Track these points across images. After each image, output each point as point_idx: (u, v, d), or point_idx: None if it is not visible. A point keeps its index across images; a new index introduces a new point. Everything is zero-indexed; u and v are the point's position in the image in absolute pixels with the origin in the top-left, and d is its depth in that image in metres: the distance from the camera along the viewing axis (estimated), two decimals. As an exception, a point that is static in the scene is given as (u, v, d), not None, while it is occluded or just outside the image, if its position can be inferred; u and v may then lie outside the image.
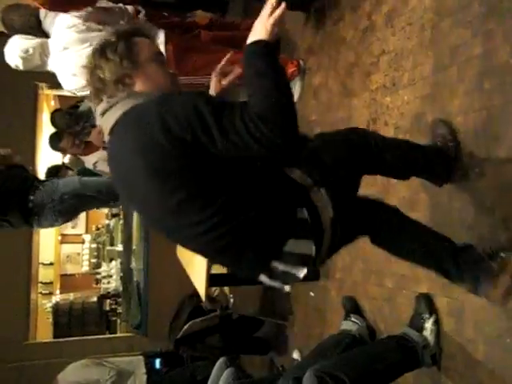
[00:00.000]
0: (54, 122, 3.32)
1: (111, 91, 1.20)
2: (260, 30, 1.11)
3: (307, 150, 1.34)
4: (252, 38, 1.12)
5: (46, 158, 5.16)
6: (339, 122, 2.42)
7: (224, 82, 1.47)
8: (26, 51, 2.53)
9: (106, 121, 1.20)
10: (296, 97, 2.71)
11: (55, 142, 3.12)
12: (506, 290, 1.32)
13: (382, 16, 2.14)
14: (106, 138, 1.22)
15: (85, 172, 3.14)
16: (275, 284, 1.28)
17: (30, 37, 2.54)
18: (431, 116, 1.79)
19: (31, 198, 2.55)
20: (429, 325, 1.59)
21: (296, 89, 2.77)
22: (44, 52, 2.54)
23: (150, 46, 1.28)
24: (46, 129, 5.10)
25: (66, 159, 4.29)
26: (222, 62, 1.48)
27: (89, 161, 3.06)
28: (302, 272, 1.23)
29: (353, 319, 2.05)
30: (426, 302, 1.64)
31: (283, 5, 1.12)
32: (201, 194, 1.12)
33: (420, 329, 1.60)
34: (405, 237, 1.44)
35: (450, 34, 1.73)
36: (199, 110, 1.04)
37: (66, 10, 2.43)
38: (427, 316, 1.61)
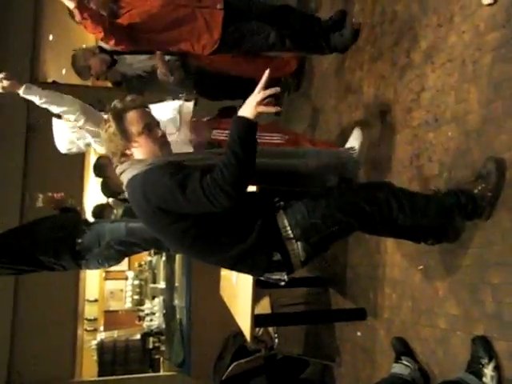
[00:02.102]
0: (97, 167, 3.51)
1: (119, 161, 1.60)
2: (249, 110, 1.40)
3: (307, 201, 1.57)
4: (242, 111, 1.42)
5: (93, 198, 5.38)
6: (382, 158, 2.41)
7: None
8: (70, 149, 2.82)
9: (123, 179, 1.61)
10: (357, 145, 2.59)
11: (99, 169, 3.33)
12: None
13: (421, 53, 2.16)
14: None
15: (129, 211, 3.25)
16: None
17: (71, 124, 2.68)
18: (477, 152, 1.76)
19: (79, 241, 2.65)
20: (489, 371, 1.51)
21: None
22: (87, 143, 2.76)
23: (138, 119, 1.58)
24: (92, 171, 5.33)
25: (110, 199, 4.44)
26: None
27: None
28: (282, 283, 1.63)
29: (404, 362, 1.97)
30: (484, 346, 1.56)
31: (275, 108, 1.43)
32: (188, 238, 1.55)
33: (479, 375, 1.52)
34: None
35: (492, 69, 1.71)
36: (169, 185, 1.43)
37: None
38: (486, 361, 1.52)
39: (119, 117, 1.57)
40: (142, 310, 6.74)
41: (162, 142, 1.61)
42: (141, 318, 6.80)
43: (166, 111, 2.61)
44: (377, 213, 1.57)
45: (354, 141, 2.64)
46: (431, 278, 1.98)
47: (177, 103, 2.69)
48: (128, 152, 1.58)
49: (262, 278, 1.67)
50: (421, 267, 2.05)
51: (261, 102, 1.39)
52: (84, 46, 3.01)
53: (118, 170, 1.62)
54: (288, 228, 1.54)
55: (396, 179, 2.27)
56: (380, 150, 2.45)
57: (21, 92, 2.55)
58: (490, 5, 1.72)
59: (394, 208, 1.57)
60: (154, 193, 1.46)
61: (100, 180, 3.83)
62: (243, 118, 1.40)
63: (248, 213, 1.54)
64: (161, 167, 1.48)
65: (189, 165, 1.51)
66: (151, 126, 1.60)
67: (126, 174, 1.57)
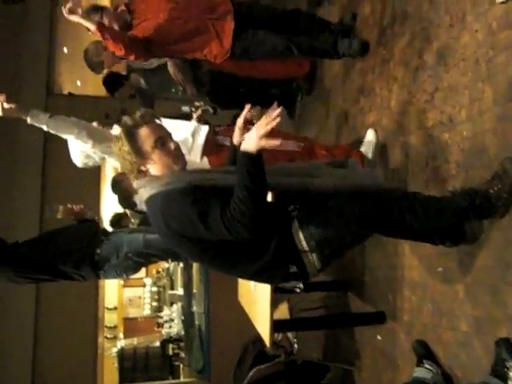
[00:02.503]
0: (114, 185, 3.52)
1: (135, 178, 1.61)
2: (252, 143, 1.40)
3: (321, 213, 1.58)
4: (244, 145, 1.42)
5: (109, 207, 5.44)
6: (397, 160, 2.40)
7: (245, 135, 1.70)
8: (86, 163, 2.81)
9: (141, 195, 1.61)
10: (371, 153, 2.61)
11: (116, 186, 3.33)
12: None
13: (434, 53, 2.14)
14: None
15: (146, 221, 3.27)
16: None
17: (87, 146, 2.66)
18: (494, 151, 1.73)
19: (97, 251, 2.68)
20: (513, 374, 1.49)
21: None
22: (102, 156, 2.76)
23: (150, 135, 1.57)
24: (108, 180, 5.40)
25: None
26: (244, 113, 1.71)
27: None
28: (298, 290, 1.72)
29: (426, 366, 1.95)
30: (508, 348, 1.54)
31: (277, 141, 1.39)
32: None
33: (504, 378, 1.50)
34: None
35: (507, 68, 1.69)
36: (189, 215, 1.46)
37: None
38: (511, 364, 1.50)
39: (131, 134, 1.57)
40: (161, 317, 6.77)
41: (176, 154, 1.62)
42: (160, 325, 6.84)
43: (179, 132, 2.62)
44: (390, 221, 1.60)
45: (368, 142, 2.64)
46: (451, 280, 1.96)
47: (192, 126, 2.66)
48: (143, 168, 1.59)
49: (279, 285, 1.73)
50: (440, 269, 2.03)
51: (263, 136, 1.39)
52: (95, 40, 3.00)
53: (135, 186, 1.64)
54: (303, 241, 1.57)
55: (412, 181, 2.25)
56: (395, 152, 2.44)
57: (28, 120, 2.53)
58: (502, 3, 1.71)
59: (406, 216, 1.59)
60: (174, 220, 1.50)
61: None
62: (248, 154, 1.41)
63: (264, 230, 1.55)
64: (180, 193, 1.48)
65: (207, 185, 1.51)
66: (164, 140, 1.60)
67: (144, 190, 1.59)
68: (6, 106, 2.45)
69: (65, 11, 2.41)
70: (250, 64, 3.05)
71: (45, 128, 2.59)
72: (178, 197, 1.48)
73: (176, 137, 2.57)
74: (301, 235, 1.57)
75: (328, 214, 1.58)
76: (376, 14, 2.70)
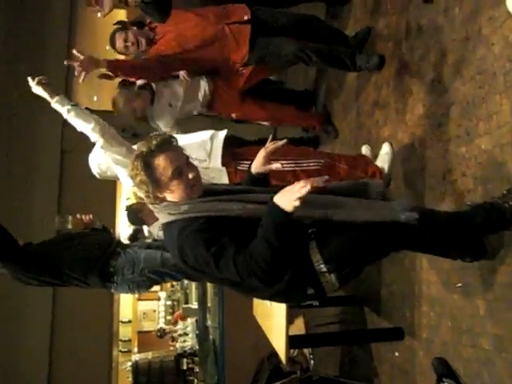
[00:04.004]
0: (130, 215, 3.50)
1: (152, 202, 1.57)
2: (287, 202, 1.34)
3: (341, 234, 1.56)
4: (279, 200, 1.36)
5: (125, 221, 5.46)
6: (413, 174, 2.38)
7: (266, 167, 1.72)
8: (99, 173, 2.80)
9: (159, 218, 1.62)
10: (387, 167, 2.61)
11: (133, 216, 3.30)
12: None
13: (449, 66, 2.13)
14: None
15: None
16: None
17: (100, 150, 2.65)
18: (514, 164, 1.71)
19: (113, 263, 2.67)
20: (538, 394, 1.44)
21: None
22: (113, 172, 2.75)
23: (167, 165, 1.49)
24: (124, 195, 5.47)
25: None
26: (273, 146, 1.71)
27: (154, 232, 3.19)
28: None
29: (447, 384, 1.91)
30: (532, 368, 1.50)
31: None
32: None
33: (528, 399, 1.45)
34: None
35: (525, 81, 1.68)
36: (204, 258, 1.46)
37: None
38: (535, 384, 1.46)
39: (147, 165, 1.48)
40: (175, 331, 6.74)
41: (194, 183, 1.54)
42: (174, 339, 6.80)
43: (197, 136, 2.64)
44: (407, 241, 1.62)
45: (384, 156, 2.62)
46: (471, 296, 1.92)
47: (210, 131, 2.67)
48: (160, 195, 1.54)
49: None
50: (459, 285, 1.99)
51: (299, 199, 1.31)
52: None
53: (152, 209, 1.61)
54: (321, 262, 1.55)
55: (429, 195, 2.23)
56: (411, 166, 2.41)
57: (53, 101, 2.54)
58: (519, 15, 1.70)
59: (425, 234, 1.60)
60: (190, 259, 1.53)
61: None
62: (281, 210, 1.35)
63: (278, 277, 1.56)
64: (195, 230, 1.47)
65: (223, 217, 1.48)
66: (182, 169, 1.51)
67: (161, 215, 1.58)
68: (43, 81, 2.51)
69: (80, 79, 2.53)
70: (265, 112, 3.18)
71: (64, 114, 2.57)
72: (191, 239, 1.48)
73: (195, 140, 2.61)
74: (319, 256, 1.55)
75: (348, 236, 1.56)
76: (390, 28, 2.70)
